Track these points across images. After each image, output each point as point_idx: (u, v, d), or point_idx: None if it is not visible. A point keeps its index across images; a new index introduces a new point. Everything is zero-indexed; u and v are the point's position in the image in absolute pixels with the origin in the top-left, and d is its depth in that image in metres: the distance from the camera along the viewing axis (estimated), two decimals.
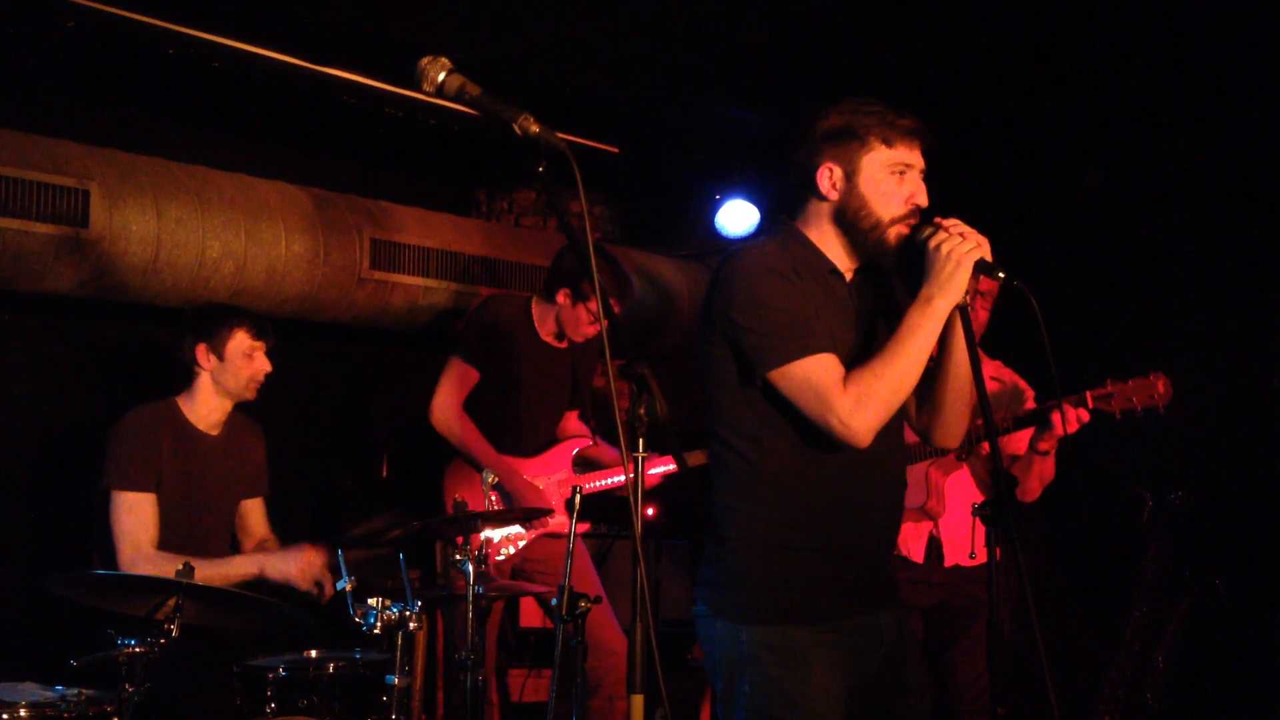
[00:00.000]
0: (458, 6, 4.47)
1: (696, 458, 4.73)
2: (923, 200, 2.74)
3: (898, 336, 2.66)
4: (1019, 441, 3.96)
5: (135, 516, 3.96)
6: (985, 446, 3.90)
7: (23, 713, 3.07)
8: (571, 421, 5.05)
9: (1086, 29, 4.55)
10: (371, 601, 3.43)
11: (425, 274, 5.46)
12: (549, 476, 4.82)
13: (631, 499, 2.30)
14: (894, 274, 2.88)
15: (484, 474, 3.96)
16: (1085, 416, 3.69)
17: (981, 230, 2.69)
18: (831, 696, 2.71)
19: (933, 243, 2.66)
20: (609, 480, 4.86)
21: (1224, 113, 5.22)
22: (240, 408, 4.29)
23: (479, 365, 4.75)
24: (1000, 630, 3.38)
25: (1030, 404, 4.13)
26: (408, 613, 3.40)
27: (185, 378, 4.19)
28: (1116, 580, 4.90)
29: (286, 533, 4.33)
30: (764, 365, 2.68)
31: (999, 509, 2.70)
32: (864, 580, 2.79)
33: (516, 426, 4.82)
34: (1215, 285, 5.50)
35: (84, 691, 3.18)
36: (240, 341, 4.13)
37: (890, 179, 2.72)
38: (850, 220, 2.76)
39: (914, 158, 2.74)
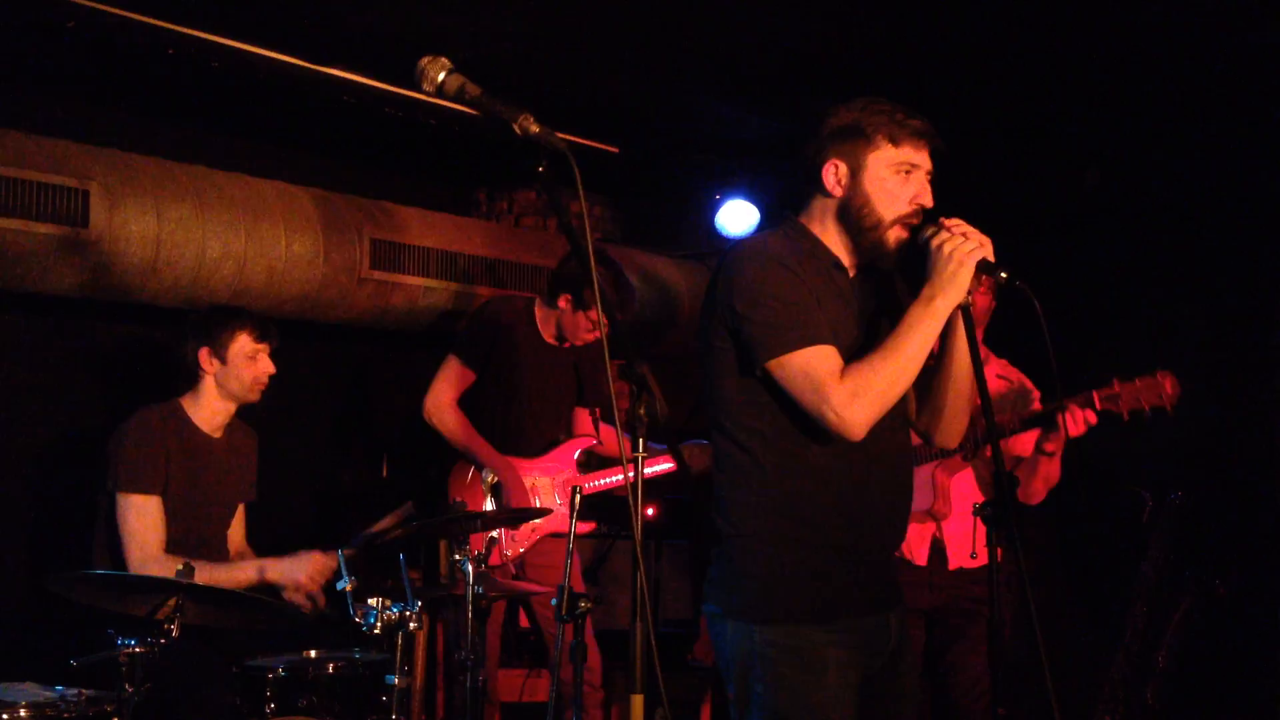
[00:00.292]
0: (458, 6, 4.47)
1: (699, 460, 4.72)
2: (927, 201, 2.74)
3: (897, 333, 2.65)
4: (1024, 443, 3.95)
5: (143, 519, 3.96)
6: (989, 451, 3.89)
7: (23, 713, 3.07)
8: (584, 421, 5.04)
9: (1087, 29, 4.55)
10: (371, 601, 3.43)
11: (425, 274, 5.46)
12: (552, 476, 4.82)
13: (631, 499, 2.30)
14: (896, 273, 2.88)
15: (484, 474, 3.97)
16: (1093, 418, 3.67)
17: (983, 230, 2.69)
18: (845, 697, 2.70)
19: (935, 242, 2.66)
20: (609, 480, 4.86)
21: (1224, 113, 5.22)
22: (239, 411, 4.29)
23: (476, 365, 4.76)
24: (1001, 630, 3.38)
25: (1036, 404, 4.12)
26: (408, 613, 3.40)
27: (189, 380, 4.18)
28: (1116, 580, 4.90)
29: (287, 534, 4.33)
30: (763, 354, 2.67)
31: (1000, 509, 2.70)
32: (872, 579, 2.79)
33: (519, 427, 4.82)
34: (1216, 285, 5.51)
35: (84, 691, 3.18)
36: (243, 344, 4.13)
37: (895, 178, 2.72)
38: (853, 218, 2.75)
39: (920, 159, 2.74)
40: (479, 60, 3.18)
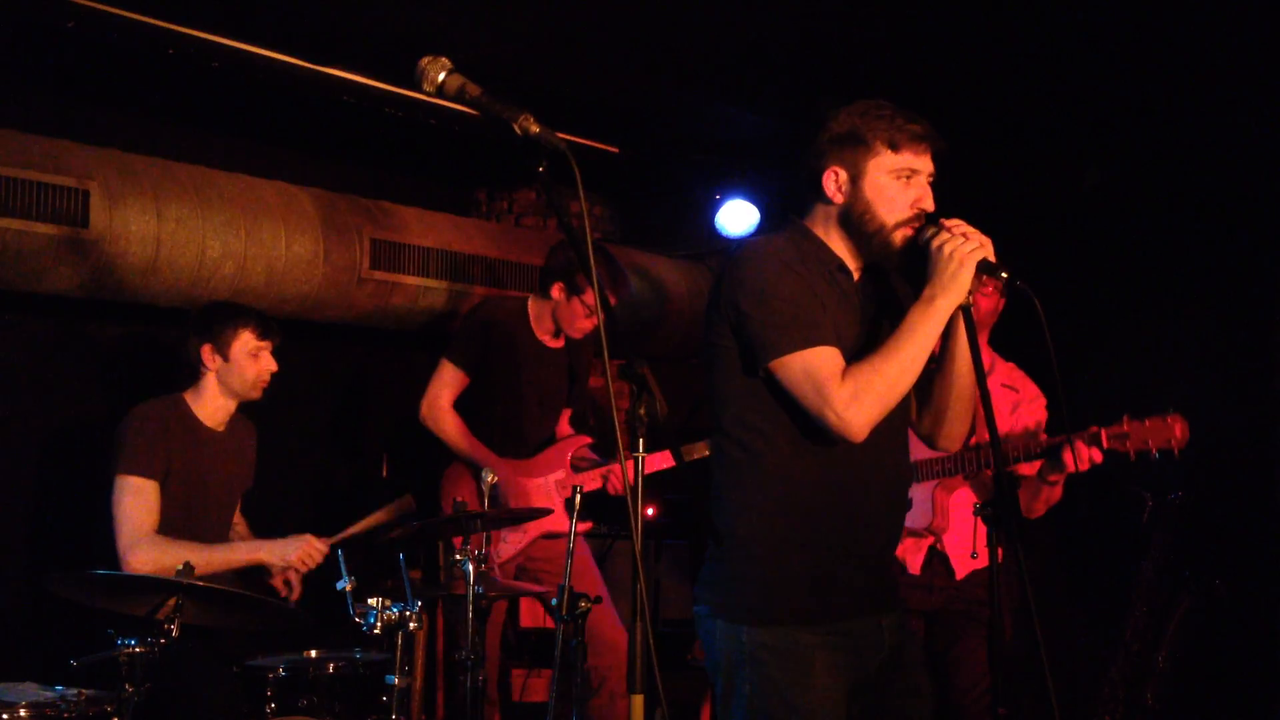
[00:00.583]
0: (458, 6, 4.47)
1: (697, 449, 4.73)
2: (928, 205, 2.74)
3: (898, 334, 2.66)
4: (1029, 464, 3.94)
5: (138, 500, 3.96)
6: (989, 472, 3.88)
7: (23, 713, 3.07)
8: (563, 423, 5.05)
9: (1087, 29, 4.55)
10: (371, 601, 3.43)
11: (425, 274, 5.46)
12: (547, 476, 4.82)
13: (631, 499, 2.30)
14: (898, 275, 2.88)
15: (484, 474, 3.96)
16: (1098, 457, 3.66)
17: (983, 230, 2.69)
18: (833, 699, 2.70)
19: (935, 243, 2.66)
20: (598, 481, 4.85)
21: (1224, 112, 5.22)
22: (239, 406, 4.29)
23: (470, 368, 4.76)
24: (1001, 630, 3.39)
25: (1043, 412, 4.11)
26: (408, 613, 3.40)
27: (191, 376, 4.19)
28: (1116, 580, 4.90)
29: (287, 533, 4.31)
30: (766, 354, 2.68)
31: (1000, 509, 2.70)
32: (866, 581, 2.79)
33: (516, 428, 4.82)
34: (1216, 285, 5.50)
35: (84, 691, 3.18)
36: (245, 341, 4.13)
37: (895, 184, 2.73)
38: (855, 224, 2.76)
39: (921, 163, 2.74)
40: (479, 60, 3.18)
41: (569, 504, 3.75)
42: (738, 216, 6.31)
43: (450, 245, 5.58)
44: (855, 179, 2.74)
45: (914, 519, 3.99)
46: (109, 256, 4.49)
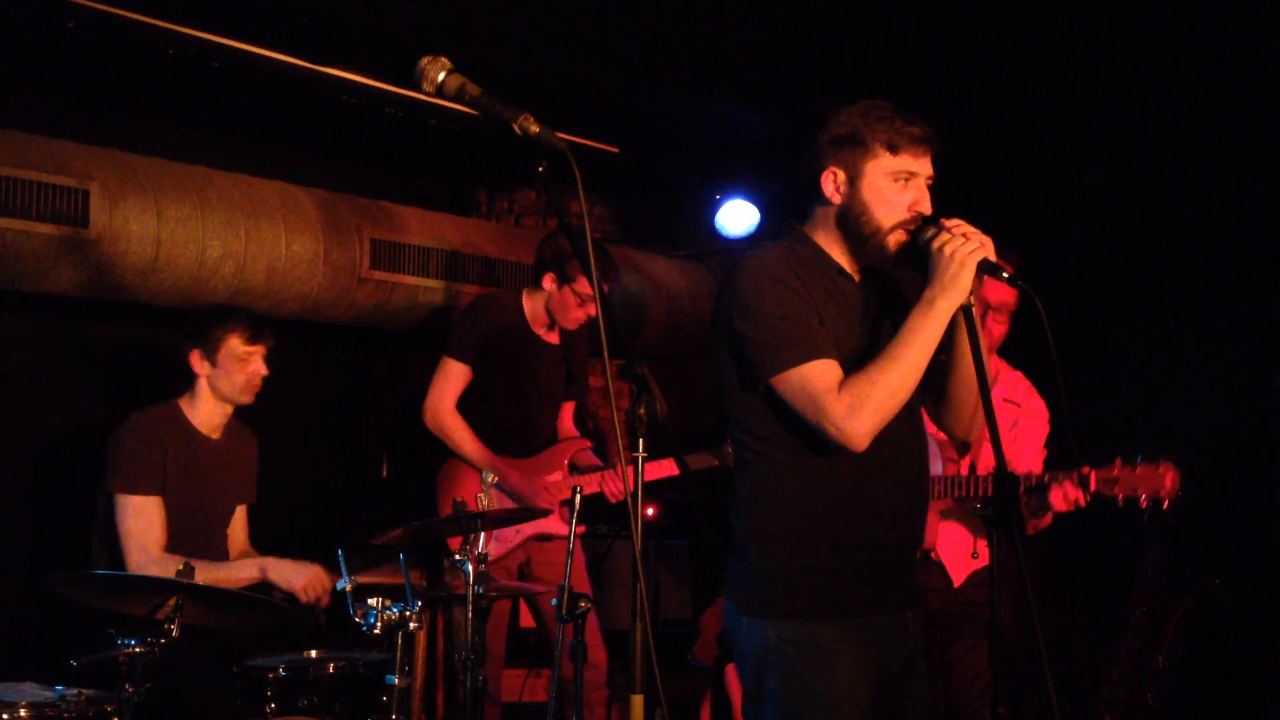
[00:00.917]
0: (458, 6, 4.47)
1: (701, 460, 4.73)
2: (926, 208, 2.74)
3: (897, 340, 2.66)
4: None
5: (143, 520, 3.96)
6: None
7: (23, 713, 3.07)
8: (566, 421, 5.05)
9: (1087, 28, 4.55)
10: (371, 601, 3.43)
11: (425, 274, 5.46)
12: (545, 478, 4.81)
13: (631, 499, 2.30)
14: (903, 274, 2.87)
15: (484, 474, 3.96)
16: (1084, 501, 3.66)
17: (984, 230, 2.69)
18: (857, 693, 2.71)
19: (935, 244, 2.66)
20: (596, 487, 4.84)
21: (1224, 111, 5.22)
22: (238, 412, 4.28)
23: (473, 363, 4.75)
24: (1001, 630, 3.38)
25: (1044, 426, 4.10)
26: (408, 613, 3.40)
27: (186, 381, 4.19)
28: (1116, 580, 4.90)
29: (287, 533, 4.33)
30: (764, 373, 2.71)
31: (1000, 509, 2.70)
32: (887, 577, 2.80)
33: (515, 426, 4.82)
34: (1216, 284, 5.50)
35: (84, 691, 3.18)
36: (233, 346, 4.11)
37: (892, 186, 2.73)
38: (852, 225, 2.76)
39: (919, 165, 2.74)
40: (479, 60, 3.18)
41: (565, 506, 3.74)
42: (738, 216, 6.31)
43: (450, 245, 5.58)
44: (853, 180, 2.74)
45: None
46: (109, 256, 4.49)
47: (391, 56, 4.48)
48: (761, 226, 6.27)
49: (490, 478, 3.94)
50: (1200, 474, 5.05)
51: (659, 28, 4.70)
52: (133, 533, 3.95)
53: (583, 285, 4.66)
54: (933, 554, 4.05)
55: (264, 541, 4.40)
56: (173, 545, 4.00)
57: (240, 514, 4.37)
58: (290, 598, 4.05)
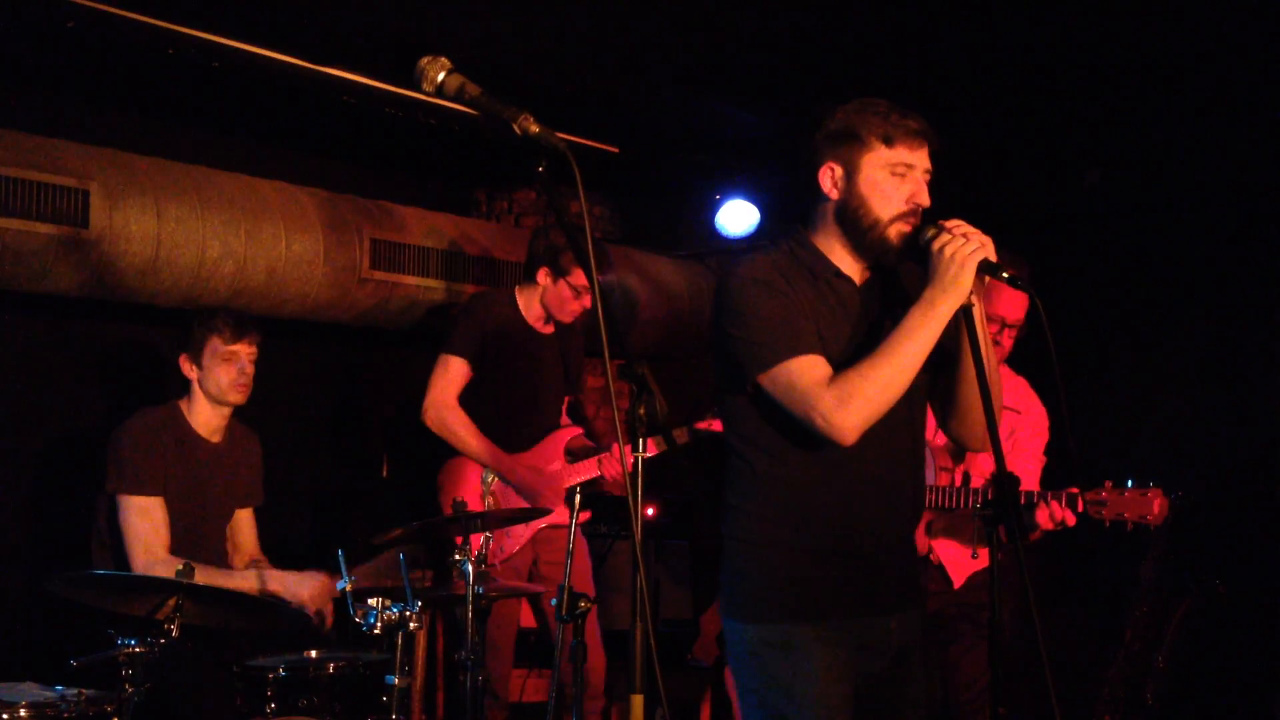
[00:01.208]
0: (458, 6, 4.47)
1: (683, 433, 4.72)
2: (924, 200, 2.74)
3: (892, 336, 2.67)
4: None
5: (147, 521, 3.97)
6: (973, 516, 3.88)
7: (23, 713, 3.07)
8: (561, 415, 5.05)
9: (1087, 28, 4.55)
10: (371, 601, 3.43)
11: (425, 274, 5.47)
12: (544, 468, 4.82)
13: (631, 499, 2.30)
14: (910, 279, 2.87)
15: (484, 474, 3.96)
16: (1071, 521, 3.66)
17: (984, 230, 2.68)
18: (834, 693, 2.73)
19: (936, 245, 2.66)
20: (595, 470, 4.85)
21: (1224, 111, 5.22)
22: (239, 414, 4.29)
23: (473, 359, 4.75)
24: (1001, 630, 3.38)
25: (1044, 433, 4.10)
26: (408, 613, 3.40)
27: (184, 386, 4.21)
28: (1116, 580, 4.89)
29: (287, 534, 4.33)
30: (752, 370, 2.73)
31: (1000, 509, 2.70)
32: (866, 581, 2.80)
33: (517, 420, 4.82)
34: (1216, 284, 5.50)
35: (84, 691, 3.18)
36: (215, 346, 4.12)
37: (889, 179, 2.73)
38: (850, 219, 2.77)
39: (916, 158, 2.74)
40: (479, 60, 3.18)
41: (569, 502, 3.74)
42: (738, 216, 6.31)
43: (450, 245, 5.58)
44: (850, 174, 2.75)
45: None
46: (109, 256, 4.49)
47: (391, 56, 4.48)
48: (761, 226, 6.27)
49: (490, 478, 3.94)
50: (1200, 474, 5.06)
51: (659, 28, 4.70)
52: (138, 534, 3.95)
53: (578, 277, 4.68)
54: (932, 556, 4.04)
55: (265, 542, 4.40)
56: (176, 547, 4.00)
57: (247, 517, 4.37)
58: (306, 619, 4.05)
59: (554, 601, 3.53)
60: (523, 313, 4.86)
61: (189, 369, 4.14)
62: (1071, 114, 5.34)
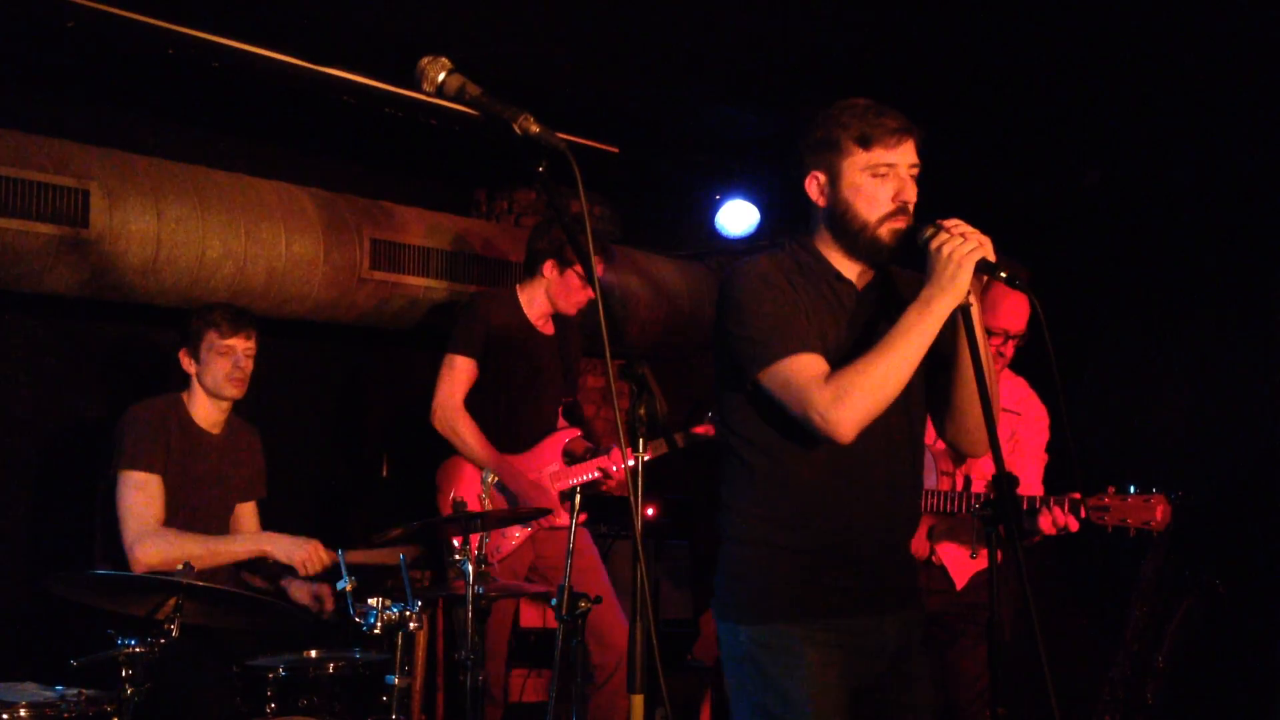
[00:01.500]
0: (458, 6, 4.47)
1: (685, 436, 4.73)
2: (910, 196, 2.74)
3: (890, 335, 2.67)
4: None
5: (143, 494, 4.00)
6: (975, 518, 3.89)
7: (23, 713, 3.07)
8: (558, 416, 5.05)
9: (1087, 28, 4.55)
10: (371, 601, 3.43)
11: (425, 274, 5.47)
12: (542, 470, 4.82)
13: (631, 499, 2.30)
14: (913, 276, 2.87)
15: (484, 474, 3.96)
16: (1074, 526, 3.66)
17: (983, 230, 2.68)
18: (828, 693, 2.73)
19: (934, 244, 2.66)
20: (594, 473, 4.85)
21: (1224, 111, 5.22)
22: (239, 410, 4.30)
23: (478, 359, 4.75)
24: (1000, 630, 3.38)
25: (1044, 433, 4.10)
26: (408, 613, 3.40)
27: (184, 381, 4.24)
28: (1116, 580, 4.89)
29: (287, 533, 4.32)
30: (751, 368, 2.74)
31: (999, 509, 2.70)
32: (861, 582, 2.80)
33: (520, 419, 4.82)
34: (1216, 284, 5.50)
35: (84, 691, 3.18)
36: (212, 340, 4.17)
37: (871, 181, 2.74)
38: (839, 225, 2.78)
39: (896, 156, 2.74)
40: (479, 60, 3.18)
41: (566, 498, 3.74)
42: (738, 216, 6.31)
43: (450, 245, 5.58)
44: (833, 181, 2.77)
45: None
46: (109, 256, 4.49)
47: (391, 56, 4.49)
48: (761, 226, 6.27)
49: (490, 478, 3.94)
50: (1200, 474, 5.06)
51: (659, 28, 4.70)
52: (132, 506, 3.98)
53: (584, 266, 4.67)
54: (934, 558, 4.05)
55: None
56: (166, 524, 4.01)
57: (250, 511, 4.39)
58: (304, 609, 4.06)
59: (553, 602, 3.53)
60: (525, 312, 4.86)
61: (188, 363, 4.19)
62: (1071, 112, 5.34)
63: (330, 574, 4.00)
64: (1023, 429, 4.10)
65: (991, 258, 2.64)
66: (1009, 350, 4.02)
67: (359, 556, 4.12)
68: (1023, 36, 4.63)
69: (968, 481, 3.92)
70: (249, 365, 4.21)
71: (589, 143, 5.93)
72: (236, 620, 3.65)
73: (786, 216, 2.88)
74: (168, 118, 5.33)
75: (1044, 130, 5.51)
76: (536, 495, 4.66)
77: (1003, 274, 2.63)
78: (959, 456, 3.93)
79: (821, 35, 4.74)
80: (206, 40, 4.56)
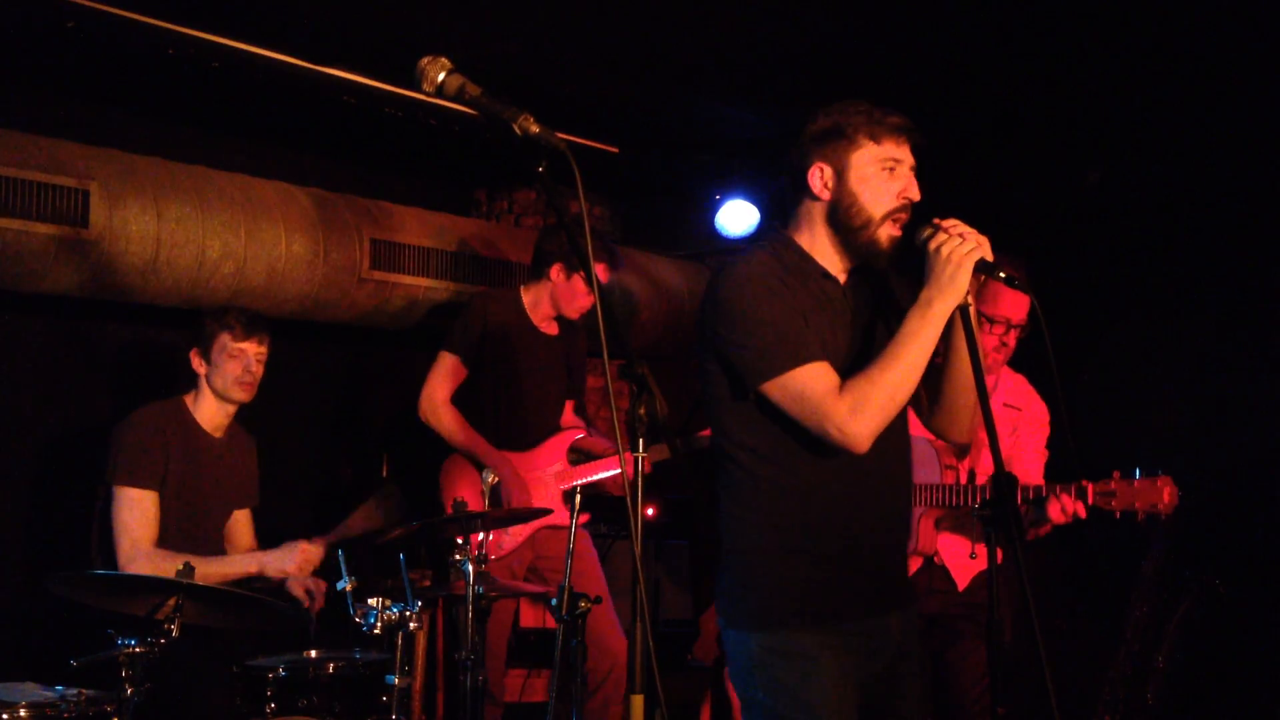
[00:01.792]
0: (458, 6, 4.47)
1: (694, 441, 4.73)
2: (914, 195, 2.74)
3: (895, 341, 2.66)
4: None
5: (136, 513, 3.99)
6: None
7: (23, 713, 3.07)
8: (567, 414, 5.06)
9: (1087, 28, 4.55)
10: (371, 601, 3.43)
11: (425, 274, 5.47)
12: (546, 469, 4.83)
13: (631, 499, 2.30)
14: (891, 273, 2.88)
15: (484, 474, 3.96)
16: (1082, 512, 3.65)
17: (983, 230, 2.68)
18: (843, 698, 2.72)
19: (932, 245, 2.66)
20: (603, 473, 4.86)
21: (1224, 111, 5.21)
22: (240, 414, 4.30)
23: (469, 361, 4.77)
24: (1000, 630, 3.38)
25: (1045, 429, 4.10)
26: (408, 613, 3.40)
27: (191, 381, 4.25)
28: (1116, 580, 4.89)
29: (287, 533, 4.32)
30: (755, 379, 2.70)
31: (999, 509, 2.70)
32: (869, 582, 2.80)
33: (516, 421, 4.82)
34: (1216, 284, 5.50)
35: (84, 691, 3.18)
36: (225, 342, 4.18)
37: (880, 175, 2.73)
38: (842, 219, 2.76)
39: (902, 154, 2.74)
40: (479, 60, 3.18)
41: (568, 498, 3.74)
42: (738, 216, 6.31)
43: (450, 245, 5.58)
44: (840, 173, 2.74)
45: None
46: (109, 256, 4.49)
47: (391, 56, 4.48)
48: (761, 226, 6.27)
49: (490, 478, 3.94)
50: (1200, 474, 5.06)
51: (659, 28, 4.70)
52: (126, 525, 3.98)
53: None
54: (936, 558, 4.05)
55: (265, 541, 4.40)
56: (169, 540, 4.01)
57: (244, 519, 4.39)
58: (295, 602, 4.06)
59: (553, 602, 3.53)
60: (528, 312, 4.87)
61: (198, 363, 4.19)
62: (1071, 114, 5.34)
63: (329, 570, 4.01)
64: (1024, 425, 4.10)
65: (990, 257, 2.65)
66: (1011, 340, 4.02)
67: (360, 526, 4.14)
68: (1022, 36, 4.63)
69: (972, 475, 3.92)
70: (259, 370, 4.22)
71: (589, 143, 5.93)
72: (236, 620, 3.65)
73: (774, 220, 2.88)
74: (168, 118, 5.33)
75: (1044, 130, 5.51)
76: (515, 483, 4.66)
77: (1002, 274, 2.64)
78: (961, 450, 3.94)
79: (821, 35, 4.74)
80: (206, 40, 4.56)
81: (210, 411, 4.23)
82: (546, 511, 4.47)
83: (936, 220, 2.70)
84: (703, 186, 6.42)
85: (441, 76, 2.35)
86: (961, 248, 2.63)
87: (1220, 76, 4.91)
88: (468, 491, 4.57)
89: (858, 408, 2.62)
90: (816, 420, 2.64)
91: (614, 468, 4.81)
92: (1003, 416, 4.02)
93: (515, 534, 4.72)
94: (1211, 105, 5.17)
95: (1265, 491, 5.28)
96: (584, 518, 4.89)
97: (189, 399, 4.22)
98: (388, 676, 3.42)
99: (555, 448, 4.89)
